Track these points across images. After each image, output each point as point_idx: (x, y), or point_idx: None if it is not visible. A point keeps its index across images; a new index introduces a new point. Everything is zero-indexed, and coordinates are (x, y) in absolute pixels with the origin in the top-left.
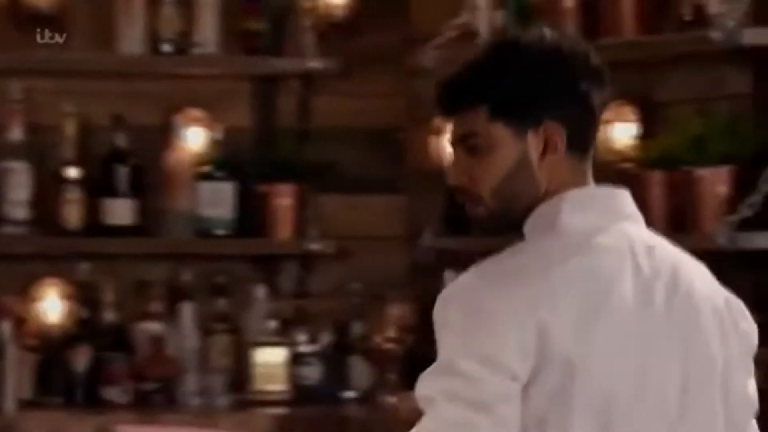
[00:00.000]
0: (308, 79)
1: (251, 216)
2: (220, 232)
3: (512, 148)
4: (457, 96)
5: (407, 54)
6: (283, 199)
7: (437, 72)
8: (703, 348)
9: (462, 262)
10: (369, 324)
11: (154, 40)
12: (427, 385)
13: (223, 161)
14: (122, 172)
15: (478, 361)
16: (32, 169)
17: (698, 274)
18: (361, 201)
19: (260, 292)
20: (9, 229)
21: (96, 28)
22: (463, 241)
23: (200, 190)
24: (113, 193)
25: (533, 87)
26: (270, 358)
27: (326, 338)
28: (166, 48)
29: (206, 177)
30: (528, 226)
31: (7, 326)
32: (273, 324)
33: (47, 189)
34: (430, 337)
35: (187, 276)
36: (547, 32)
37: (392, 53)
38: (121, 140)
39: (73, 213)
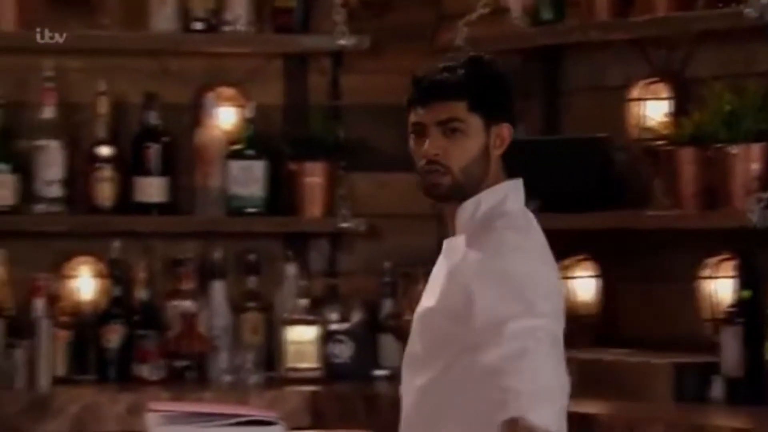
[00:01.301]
0: (339, 56)
1: (282, 194)
2: (251, 210)
3: (481, 136)
4: (444, 88)
5: (438, 31)
6: (314, 177)
7: (468, 49)
8: None
9: None
10: (399, 302)
11: (185, 18)
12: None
13: (253, 139)
14: (154, 151)
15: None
16: (65, 148)
17: None
18: (391, 179)
19: (291, 270)
20: (42, 207)
21: (128, 6)
22: None
23: (231, 168)
24: (145, 171)
25: (501, 94)
26: (301, 336)
27: (357, 316)
28: (198, 26)
29: (237, 155)
30: (488, 202)
31: (40, 304)
32: (304, 302)
33: (80, 167)
34: None
35: (218, 254)
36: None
37: (423, 30)
38: (152, 118)
39: (105, 191)
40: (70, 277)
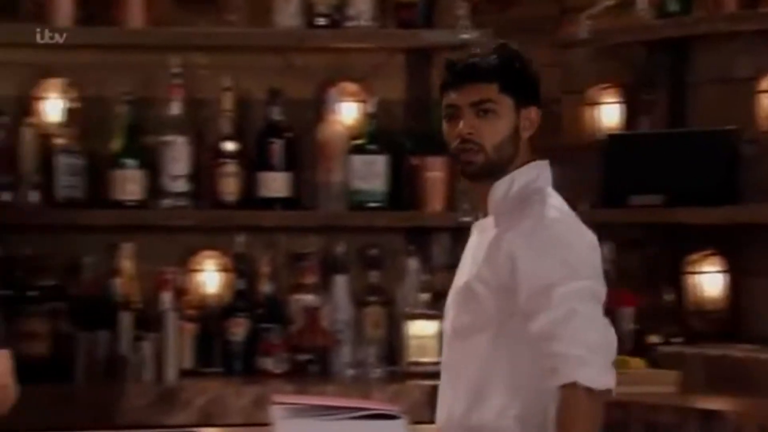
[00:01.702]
0: (461, 50)
1: (404, 189)
2: (373, 204)
3: (511, 117)
4: (478, 71)
5: (561, 24)
6: (436, 171)
7: (592, 42)
8: None
9: (618, 233)
10: None
11: (309, 14)
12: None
13: (376, 134)
14: (278, 146)
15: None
16: (191, 143)
17: None
18: None
19: (412, 264)
20: (169, 202)
21: (253, 3)
22: (620, 213)
23: (353, 163)
24: (269, 166)
25: (529, 78)
26: (422, 330)
27: None
28: (321, 22)
29: (359, 150)
30: (521, 180)
31: (167, 297)
32: (425, 296)
33: (205, 162)
34: None
35: (340, 248)
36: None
37: (545, 24)
38: (276, 114)
39: (230, 186)
40: (195, 270)
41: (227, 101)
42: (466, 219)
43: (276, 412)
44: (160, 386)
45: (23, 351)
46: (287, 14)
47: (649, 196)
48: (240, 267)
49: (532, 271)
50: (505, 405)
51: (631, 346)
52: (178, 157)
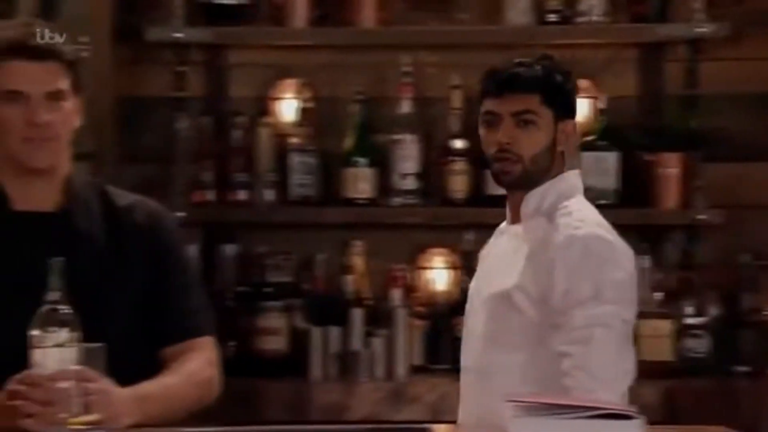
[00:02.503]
0: (696, 44)
1: (636, 186)
2: (604, 201)
3: (550, 129)
4: (521, 81)
5: None
6: (670, 168)
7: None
8: None
9: None
10: (760, 296)
11: (540, 10)
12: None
13: (607, 130)
14: None
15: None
16: (420, 141)
17: None
18: (750, 169)
19: (645, 262)
20: (398, 200)
21: (484, 1)
22: None
23: (584, 160)
24: None
25: (570, 92)
26: (656, 329)
27: (714, 310)
28: (552, 18)
29: (590, 146)
30: (556, 190)
31: (397, 294)
32: (658, 295)
33: (434, 160)
34: None
35: None
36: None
37: None
38: None
39: (458, 184)
40: (424, 268)
41: (456, 99)
42: (701, 216)
43: (510, 410)
44: (391, 382)
45: (260, 346)
46: (518, 11)
47: None
48: (468, 264)
49: (563, 288)
50: None
51: None
52: (407, 155)
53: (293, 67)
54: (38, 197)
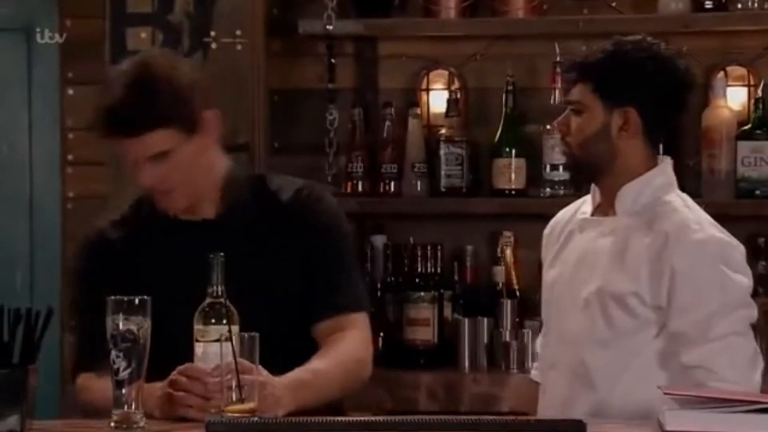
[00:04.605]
0: None
1: None
2: (761, 192)
3: (600, 117)
4: (572, 71)
5: None
6: None
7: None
8: None
9: None
10: None
11: None
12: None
13: (763, 119)
14: None
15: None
16: None
17: None
18: None
19: None
20: (548, 191)
21: None
22: None
23: (740, 150)
24: None
25: (625, 77)
26: None
27: None
28: (708, 5)
29: (746, 136)
30: (651, 185)
31: None
32: None
33: None
34: None
35: None
36: (648, 40)
37: None
38: None
39: None
40: None
41: None
42: None
43: (665, 403)
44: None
45: (410, 337)
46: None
47: None
48: None
49: (694, 297)
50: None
51: None
52: (557, 145)
53: (443, 58)
54: (196, 208)
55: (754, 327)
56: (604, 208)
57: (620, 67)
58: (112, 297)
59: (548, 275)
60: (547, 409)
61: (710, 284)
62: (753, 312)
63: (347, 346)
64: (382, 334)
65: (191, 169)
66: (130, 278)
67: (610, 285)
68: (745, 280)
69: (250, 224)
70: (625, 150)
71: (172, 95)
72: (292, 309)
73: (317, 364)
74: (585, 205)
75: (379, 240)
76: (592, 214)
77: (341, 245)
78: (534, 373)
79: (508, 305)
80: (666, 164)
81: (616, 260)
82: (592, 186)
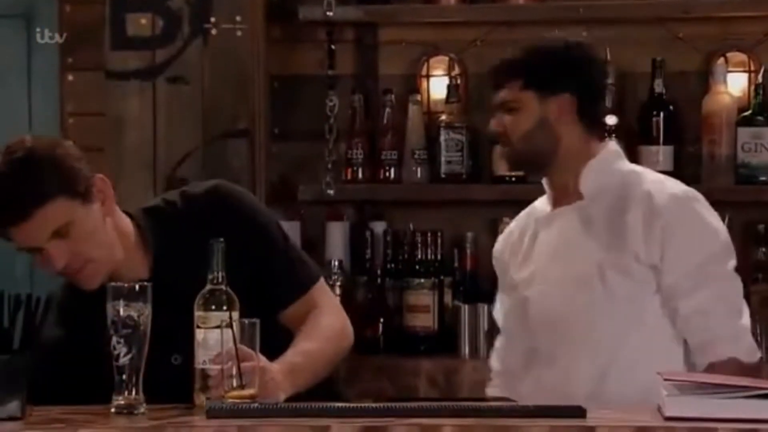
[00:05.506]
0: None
1: None
2: (762, 178)
3: (536, 110)
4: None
5: None
6: None
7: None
8: None
9: None
10: None
11: None
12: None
13: (763, 105)
14: (660, 119)
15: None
16: None
17: None
18: None
19: None
20: None
21: None
22: None
23: (740, 136)
24: (651, 140)
25: (554, 67)
26: None
27: None
28: None
29: (746, 122)
30: (608, 163)
31: None
32: None
33: None
34: None
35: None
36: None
37: None
38: (659, 86)
39: None
40: None
41: (608, 75)
42: None
43: (665, 389)
44: None
45: (409, 323)
46: None
47: None
48: None
49: (684, 247)
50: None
51: None
52: None
53: (443, 44)
54: (122, 275)
55: (752, 312)
56: (561, 199)
57: (548, 59)
58: (112, 284)
59: (520, 276)
60: (530, 391)
61: (698, 233)
62: (734, 257)
63: (326, 320)
64: (382, 320)
65: (98, 237)
66: (83, 339)
67: (608, 255)
68: (722, 225)
69: (186, 258)
70: (566, 136)
71: (53, 167)
72: (254, 311)
73: (306, 345)
74: (537, 209)
75: (379, 227)
76: (553, 210)
77: (262, 235)
78: (493, 390)
79: None
80: (613, 144)
81: (584, 239)
82: (545, 185)
